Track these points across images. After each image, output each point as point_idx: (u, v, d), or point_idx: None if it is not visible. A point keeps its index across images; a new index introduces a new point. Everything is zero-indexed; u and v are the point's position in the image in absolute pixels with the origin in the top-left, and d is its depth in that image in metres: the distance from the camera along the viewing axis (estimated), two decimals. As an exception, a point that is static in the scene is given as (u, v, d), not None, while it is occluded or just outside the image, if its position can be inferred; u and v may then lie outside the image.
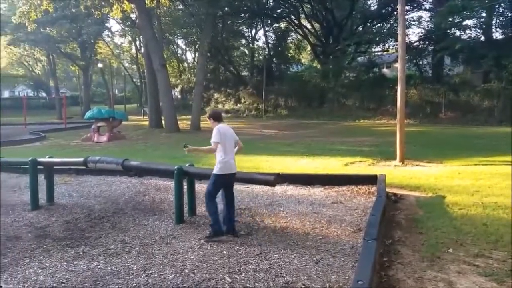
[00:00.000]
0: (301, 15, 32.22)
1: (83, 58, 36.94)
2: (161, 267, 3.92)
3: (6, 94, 62.54)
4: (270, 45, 36.60)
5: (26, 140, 18.80)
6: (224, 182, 4.76)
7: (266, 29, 36.17)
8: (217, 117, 4.89)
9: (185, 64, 43.96)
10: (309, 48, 35.96)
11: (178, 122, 20.99)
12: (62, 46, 35.92)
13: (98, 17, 24.97)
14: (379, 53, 29.62)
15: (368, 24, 29.74)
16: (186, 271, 3.81)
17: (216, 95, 35.17)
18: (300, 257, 4.03)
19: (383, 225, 4.61)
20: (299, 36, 35.54)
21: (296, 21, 32.54)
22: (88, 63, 37.77)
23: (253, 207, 5.96)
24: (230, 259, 4.06)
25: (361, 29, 29.83)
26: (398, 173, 7.98)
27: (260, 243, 4.51)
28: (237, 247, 4.39)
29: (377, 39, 26.90)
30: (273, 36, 36.74)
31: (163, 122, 21.62)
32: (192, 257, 4.14)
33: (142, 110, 36.69)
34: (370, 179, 6.82)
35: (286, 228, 5.01)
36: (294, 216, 5.44)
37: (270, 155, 11.20)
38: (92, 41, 35.31)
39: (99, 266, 3.99)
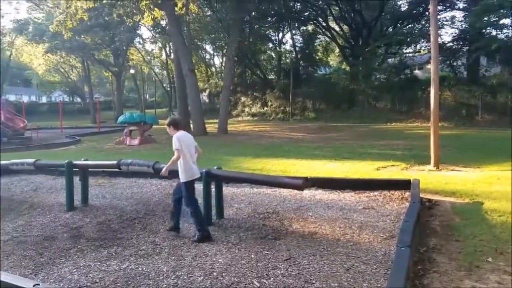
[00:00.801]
0: (329, 17, 31.93)
1: (116, 64, 38.07)
2: (190, 269, 3.95)
3: (43, 99, 65.48)
4: (297, 48, 36.36)
5: (62, 143, 19.52)
6: (192, 186, 4.91)
7: (293, 32, 36.00)
8: (176, 125, 5.01)
9: (213, 69, 44.51)
10: (337, 50, 35.57)
11: (206, 125, 21.27)
12: (96, 53, 37.18)
13: (130, 25, 25.73)
14: (411, 54, 28.87)
15: (399, 25, 29.08)
16: (215, 274, 3.82)
17: (243, 99, 35.34)
18: (330, 264, 3.94)
19: (417, 232, 4.45)
20: (327, 38, 35.20)
21: (324, 24, 32.26)
22: (120, 69, 38.90)
23: (281, 211, 5.91)
24: (258, 264, 4.03)
25: (391, 30, 29.23)
26: (433, 178, 7.70)
27: (288, 248, 4.45)
28: (265, 252, 4.35)
29: (408, 40, 26.27)
30: (300, 39, 36.48)
31: (191, 125, 21.94)
32: (220, 260, 4.14)
33: (171, 114, 37.40)
34: (403, 184, 6.60)
35: (315, 233, 4.92)
36: (324, 221, 5.34)
37: (298, 159, 11.10)
38: (124, 48, 36.36)
39: (130, 267, 4.06)
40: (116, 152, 14.90)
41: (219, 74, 40.00)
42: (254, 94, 34.78)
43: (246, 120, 32.05)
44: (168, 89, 47.83)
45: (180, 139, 4.80)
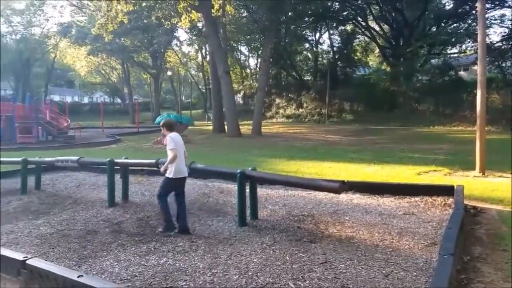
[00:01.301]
0: (368, 16, 31.19)
1: (154, 66, 39.12)
2: (226, 267, 3.98)
3: (86, 100, 68.31)
4: (335, 48, 35.77)
5: (103, 142, 20.31)
6: (175, 185, 5.18)
7: (331, 32, 35.45)
8: (169, 126, 5.33)
9: (248, 70, 44.75)
10: (377, 50, 34.68)
11: (240, 127, 21.42)
12: (135, 55, 38.36)
13: (168, 27, 26.36)
14: (455, 55, 27.75)
15: (443, 24, 27.95)
16: (250, 273, 3.83)
17: (277, 100, 35.20)
18: (368, 269, 3.85)
19: (461, 240, 4.26)
20: (366, 38, 34.40)
21: (363, 23, 31.57)
22: (158, 71, 39.91)
23: (316, 215, 5.84)
24: (294, 266, 4.00)
25: (434, 29, 28.19)
26: (478, 185, 7.37)
27: (324, 251, 4.38)
28: (301, 254, 4.31)
29: (453, 40, 25.26)
30: (339, 39, 35.88)
31: (226, 127, 22.18)
32: (255, 260, 4.15)
33: (206, 116, 37.98)
34: (446, 190, 6.35)
35: (352, 238, 4.83)
36: (361, 226, 5.23)
37: (334, 162, 10.95)
38: (162, 50, 37.29)
39: (168, 262, 4.15)
40: (154, 152, 15.29)
41: (254, 76, 40.13)
42: (289, 95, 34.53)
43: (281, 122, 31.93)
44: (204, 90, 48.59)
45: (174, 139, 5.08)
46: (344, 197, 6.72)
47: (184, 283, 3.64)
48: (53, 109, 24.52)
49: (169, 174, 5.09)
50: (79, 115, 39.03)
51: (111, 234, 5.19)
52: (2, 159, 9.24)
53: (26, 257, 3.76)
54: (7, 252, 3.98)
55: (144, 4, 22.17)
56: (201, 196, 7.26)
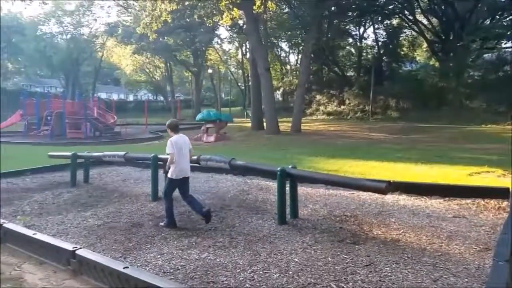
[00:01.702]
0: (416, 10, 29.97)
1: (195, 64, 39.89)
2: (266, 265, 3.95)
3: (130, 97, 70.98)
4: (380, 43, 34.69)
5: (146, 138, 21.01)
6: (178, 185, 5.43)
7: (376, 26, 34.43)
8: (173, 128, 5.53)
9: (288, 67, 44.51)
10: (425, 45, 33.29)
11: (279, 124, 21.33)
12: (178, 54, 39.28)
13: (209, 25, 26.74)
14: (511, 49, 26.10)
15: (497, 17, 26.35)
16: (290, 272, 3.78)
17: (318, 97, 34.65)
18: (416, 273, 3.68)
19: (517, 246, 3.97)
20: (413, 33, 33.08)
21: (410, 17, 30.38)
22: (199, 69, 40.65)
23: (360, 215, 5.69)
24: (336, 267, 3.91)
25: (488, 22, 26.64)
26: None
27: (368, 253, 4.25)
28: (343, 255, 4.20)
29: (509, 33, 23.72)
30: (384, 33, 34.79)
31: (264, 124, 22.19)
32: (295, 259, 4.09)
33: (245, 113, 38.22)
34: (501, 192, 5.99)
35: (398, 240, 4.64)
36: (408, 229, 5.02)
37: (379, 161, 10.63)
38: (203, 48, 37.95)
39: (209, 257, 4.19)
40: (194, 148, 15.59)
41: (294, 72, 39.83)
42: (331, 92, 33.91)
43: (321, 119, 31.38)
44: (243, 88, 48.97)
45: (174, 143, 5.29)
46: (389, 198, 6.50)
47: (225, 278, 3.66)
48: (101, 106, 25.67)
49: (171, 175, 5.37)
50: (124, 112, 40.58)
51: (154, 227, 5.32)
52: (53, 153, 9.75)
53: (76, 247, 3.94)
54: (57, 242, 4.20)
55: (187, 3, 22.61)
56: (240, 193, 7.29)
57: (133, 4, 38.22)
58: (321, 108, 33.65)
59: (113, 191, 7.66)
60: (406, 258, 4.07)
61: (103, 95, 58.07)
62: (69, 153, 8.57)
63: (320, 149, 14.03)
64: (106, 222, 5.56)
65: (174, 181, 5.38)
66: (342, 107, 32.19)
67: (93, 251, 4.15)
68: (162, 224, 5.36)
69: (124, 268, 3.37)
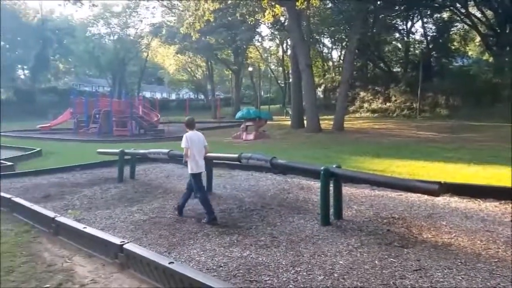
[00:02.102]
0: (469, 2, 28.33)
1: (235, 63, 40.15)
2: (309, 266, 3.87)
3: (173, 96, 72.85)
4: (429, 38, 33.03)
5: (188, 136, 21.41)
6: (200, 178, 5.66)
7: (425, 20, 32.84)
8: (188, 125, 5.83)
9: (330, 63, 43.75)
10: (478, 39, 31.43)
11: (320, 122, 20.97)
12: (219, 53, 39.68)
13: (251, 23, 26.78)
14: None
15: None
16: (336, 275, 3.67)
17: (362, 94, 33.52)
18: (470, 280, 3.46)
19: None
20: (465, 26, 31.28)
21: (462, 10, 28.78)
22: (239, 67, 40.87)
23: (408, 218, 5.45)
24: (384, 271, 3.75)
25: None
26: None
27: (418, 258, 4.05)
28: (391, 259, 4.03)
29: None
30: (433, 27, 33.08)
31: (305, 122, 21.92)
32: (340, 262, 3.97)
33: (284, 110, 38.01)
34: None
35: (450, 244, 4.40)
36: (461, 233, 4.76)
37: (428, 161, 10.17)
38: (244, 46, 38.09)
39: (251, 256, 4.16)
40: (233, 146, 15.73)
41: (337, 68, 39.07)
42: (376, 88, 32.68)
43: (365, 117, 30.46)
44: (282, 85, 48.74)
45: (188, 138, 5.56)
46: (440, 200, 6.18)
47: (268, 278, 3.62)
48: (145, 105, 26.51)
49: (191, 170, 5.60)
50: (167, 110, 41.59)
51: (197, 223, 5.39)
52: (101, 150, 10.17)
53: (123, 241, 4.05)
54: (106, 236, 4.34)
55: (229, 1, 22.81)
56: (280, 191, 7.23)
57: (177, 5, 39.06)
58: (365, 105, 32.58)
59: (158, 187, 7.87)
60: (459, 263, 3.86)
61: (147, 94, 60.03)
62: (116, 150, 8.90)
63: (364, 148, 13.63)
64: (152, 217, 5.70)
65: (196, 175, 5.64)
66: (388, 104, 30.94)
67: (140, 245, 4.24)
68: (204, 221, 5.43)
69: (169, 263, 3.42)
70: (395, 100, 30.60)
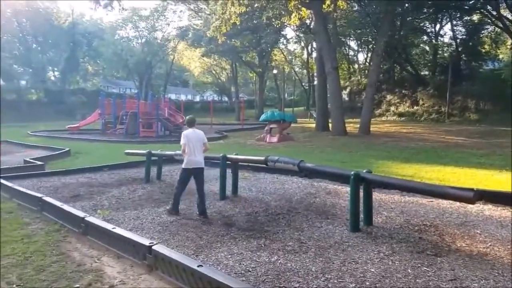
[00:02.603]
0: (501, 4, 27.39)
1: (260, 65, 40.14)
2: (340, 274, 3.77)
3: (197, 98, 73.67)
4: (458, 41, 32.13)
5: (212, 138, 21.51)
6: (190, 174, 5.99)
7: (454, 23, 31.95)
8: (188, 123, 6.27)
9: (356, 66, 43.18)
10: (509, 41, 30.31)
11: (345, 125, 20.65)
12: (244, 55, 39.78)
13: (277, 26, 26.67)
14: None
15: None
16: (367, 283, 3.56)
17: (388, 97, 33.00)
18: (510, 293, 3.28)
19: None
20: (497, 29, 30.30)
21: (494, 12, 27.83)
22: (264, 70, 40.85)
23: (440, 225, 5.27)
24: (417, 280, 3.62)
25: None
26: None
27: (452, 267, 3.90)
28: (424, 268, 3.90)
29: None
30: (463, 30, 32.17)
31: (329, 125, 21.64)
32: (372, 270, 3.85)
33: (308, 113, 37.72)
34: None
35: (485, 254, 4.22)
36: (496, 242, 4.56)
37: (458, 167, 9.86)
38: (269, 49, 38.03)
39: (279, 261, 4.09)
40: (257, 149, 15.67)
41: (363, 71, 38.51)
42: (403, 91, 32.14)
43: (391, 120, 29.97)
44: (307, 87, 48.45)
45: (186, 136, 5.93)
46: (473, 207, 5.95)
47: (298, 284, 3.54)
48: (171, 107, 26.84)
49: (183, 165, 6.00)
50: (191, 112, 41.71)
51: (224, 226, 5.36)
52: (129, 151, 10.32)
53: (152, 243, 4.06)
54: (135, 237, 4.36)
55: (256, 5, 22.80)
56: (307, 195, 7.13)
57: (204, 8, 39.48)
58: (392, 108, 32.01)
59: (183, 188, 7.87)
60: (496, 274, 3.70)
61: (172, 96, 60.84)
62: (144, 151, 9.00)
63: (392, 152, 13.33)
64: (178, 219, 5.71)
65: (185, 170, 5.97)
66: (415, 107, 30.30)
67: (167, 247, 4.24)
68: (167, 208, 6.03)
69: (198, 266, 3.40)
70: (423, 104, 29.91)
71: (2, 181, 7.75)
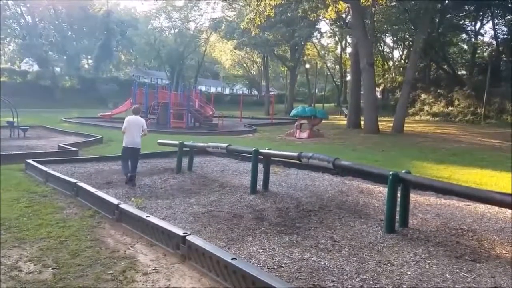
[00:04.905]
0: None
1: (292, 59, 39.70)
2: (375, 275, 3.68)
3: (227, 91, 74.07)
4: (499, 40, 30.78)
5: (241, 131, 21.62)
6: (128, 152, 7.40)
7: (496, 21, 30.62)
8: (133, 111, 7.81)
9: (390, 63, 42.08)
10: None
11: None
12: (276, 49, 39.41)
13: (313, 20, 26.15)
14: None
15: None
16: (404, 286, 3.46)
17: (423, 96, 32.04)
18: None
19: None
20: (540, 29, 28.89)
21: (538, 11, 26.45)
22: (295, 64, 40.34)
23: (479, 230, 5.06)
24: (456, 285, 3.51)
25: None
26: None
27: (493, 274, 3.75)
28: (463, 273, 3.75)
29: None
30: (505, 29, 30.73)
31: (361, 122, 21.20)
32: (408, 273, 3.74)
33: (339, 110, 37.16)
34: None
35: (528, 263, 4.01)
36: (539, 250, 4.34)
37: (496, 170, 9.44)
38: (302, 43, 37.50)
39: (312, 259, 4.04)
40: (287, 144, 15.56)
41: (397, 69, 37.47)
42: (438, 91, 31.12)
43: (425, 120, 29.13)
44: (338, 83, 47.68)
45: (127, 121, 7.40)
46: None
47: (332, 284, 3.48)
48: (201, 99, 27.06)
49: (123, 144, 7.42)
50: (221, 104, 42.26)
51: (255, 220, 5.34)
52: (162, 141, 10.43)
53: (186, 233, 4.09)
54: (169, 226, 4.41)
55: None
56: (339, 193, 7.01)
57: (238, 0, 39.35)
58: (426, 108, 31.08)
59: (214, 180, 7.94)
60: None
61: (203, 88, 61.39)
62: (176, 142, 9.11)
63: (426, 153, 12.91)
64: (210, 210, 5.74)
65: (124, 149, 7.40)
66: (450, 108, 29.30)
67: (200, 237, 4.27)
68: (126, 182, 7.23)
69: (232, 259, 3.39)
70: (458, 104, 28.88)
71: (38, 165, 8.02)
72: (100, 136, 14.53)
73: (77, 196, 6.28)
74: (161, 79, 61.55)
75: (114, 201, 5.45)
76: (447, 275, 3.70)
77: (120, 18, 50.49)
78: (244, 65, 52.97)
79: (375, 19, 26.23)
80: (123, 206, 5.21)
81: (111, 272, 3.72)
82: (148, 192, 6.87)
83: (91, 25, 46.19)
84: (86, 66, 51.89)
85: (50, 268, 3.78)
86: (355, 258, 4.08)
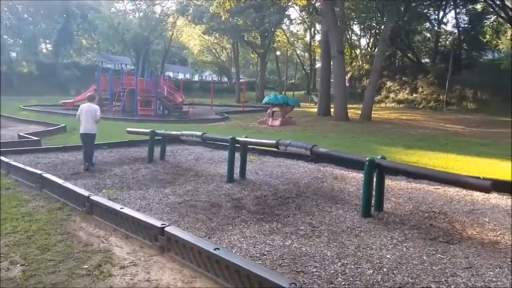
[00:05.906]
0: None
1: (262, 46, 39.36)
2: (356, 259, 3.73)
3: (196, 77, 72.89)
4: (460, 29, 31.87)
5: (213, 119, 21.36)
6: (83, 138, 7.73)
7: (458, 11, 31.62)
8: (88, 98, 8.03)
9: (357, 51, 42.73)
10: (510, 32, 30.16)
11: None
12: (246, 35, 38.86)
13: (283, 5, 25.86)
14: None
15: None
16: (385, 269, 3.53)
17: (388, 84, 32.92)
18: (526, 282, 3.28)
19: None
20: (499, 19, 30.06)
21: (498, 1, 27.47)
22: (266, 51, 40.06)
23: (449, 213, 5.27)
24: (433, 267, 3.61)
25: None
26: None
27: (466, 255, 3.91)
28: (439, 255, 3.89)
29: None
30: (466, 18, 31.79)
31: (332, 110, 21.49)
32: (388, 256, 3.83)
33: (309, 97, 37.47)
34: None
35: (497, 243, 4.24)
36: (506, 230, 4.60)
37: (460, 155, 9.86)
38: (272, 29, 37.16)
39: (293, 245, 4.05)
40: (259, 132, 15.53)
41: (364, 57, 38.12)
42: (403, 78, 32.08)
43: (390, 107, 29.99)
44: (308, 71, 47.96)
45: (81, 108, 7.70)
46: (479, 195, 6.00)
47: (315, 269, 3.50)
48: (170, 85, 26.37)
49: (79, 130, 7.79)
50: (190, 91, 41.45)
51: (233, 209, 5.29)
52: (131, 129, 10.09)
53: (164, 224, 3.97)
54: (146, 218, 4.26)
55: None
56: (314, 180, 7.08)
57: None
58: (391, 95, 32.02)
59: (188, 169, 7.80)
60: (510, 263, 3.72)
61: (170, 74, 59.95)
62: (147, 130, 8.85)
63: (394, 139, 13.29)
64: (186, 200, 5.63)
65: (81, 135, 7.72)
66: (414, 95, 30.33)
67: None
68: (85, 169, 7.51)
69: (214, 249, 3.33)
70: (422, 92, 29.94)
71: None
72: (63, 125, 13.87)
73: (43, 188, 5.96)
74: (126, 65, 59.41)
75: (84, 192, 5.21)
76: (424, 257, 3.82)
77: (81, 0, 48.11)
78: (214, 51, 52.14)
79: (346, 5, 26.43)
80: (94, 197, 4.99)
81: (86, 266, 3.56)
82: (119, 183, 6.63)
83: (49, 7, 43.55)
84: (44, 51, 49.12)
85: (18, 265, 3.57)
86: (335, 243, 4.12)
